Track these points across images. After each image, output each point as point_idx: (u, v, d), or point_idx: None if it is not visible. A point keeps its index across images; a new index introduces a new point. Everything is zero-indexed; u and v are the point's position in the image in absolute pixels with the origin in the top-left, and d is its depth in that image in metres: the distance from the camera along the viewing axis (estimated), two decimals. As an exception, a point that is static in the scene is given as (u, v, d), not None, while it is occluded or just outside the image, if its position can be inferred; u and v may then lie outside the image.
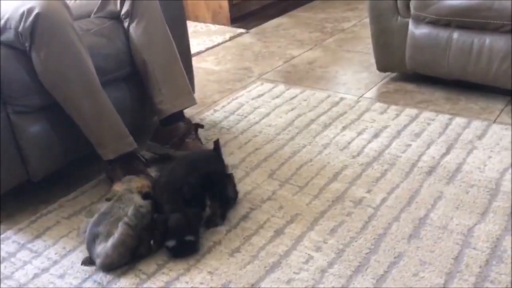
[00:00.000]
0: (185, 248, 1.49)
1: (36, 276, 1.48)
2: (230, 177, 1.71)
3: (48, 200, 1.80)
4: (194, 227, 1.50)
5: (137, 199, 1.55)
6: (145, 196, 1.56)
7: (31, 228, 1.67)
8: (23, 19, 1.60)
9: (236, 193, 1.69)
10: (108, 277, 1.45)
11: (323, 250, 1.50)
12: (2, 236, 1.64)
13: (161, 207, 1.54)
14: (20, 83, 1.65)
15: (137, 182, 1.63)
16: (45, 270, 1.50)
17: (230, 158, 1.95)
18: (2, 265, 1.52)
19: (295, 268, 1.44)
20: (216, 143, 1.72)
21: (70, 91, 1.69)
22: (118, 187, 1.61)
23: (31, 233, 1.64)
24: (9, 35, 1.64)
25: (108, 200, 1.58)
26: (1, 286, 1.45)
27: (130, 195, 1.56)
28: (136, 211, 1.49)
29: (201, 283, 1.41)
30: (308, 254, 1.48)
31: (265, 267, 1.45)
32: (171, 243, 1.47)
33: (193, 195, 1.53)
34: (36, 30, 1.60)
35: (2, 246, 1.60)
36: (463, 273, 1.38)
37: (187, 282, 1.42)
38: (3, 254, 1.57)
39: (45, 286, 1.44)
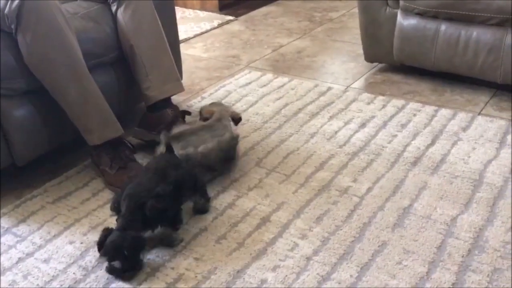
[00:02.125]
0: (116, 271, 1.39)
1: (20, 260, 1.47)
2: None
3: (33, 185, 1.79)
4: (129, 252, 1.36)
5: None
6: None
7: (15, 212, 1.66)
8: (9, 1, 1.58)
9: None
10: (93, 262, 1.45)
11: (309, 238, 1.51)
12: (-14, 220, 1.63)
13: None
14: (5, 66, 1.62)
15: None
16: (29, 254, 1.49)
17: (217, 146, 1.95)
18: (-14, 249, 1.52)
19: (281, 255, 1.45)
20: (169, 147, 1.60)
21: (56, 75, 1.67)
22: (214, 108, 1.83)
23: (15, 218, 1.63)
24: (-6, 17, 1.62)
25: (204, 119, 1.78)
26: (-15, 270, 1.44)
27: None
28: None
29: (187, 269, 1.42)
30: (294, 242, 1.50)
31: (250, 254, 1.46)
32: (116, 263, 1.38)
33: (160, 209, 1.40)
34: (22, 12, 1.58)
35: (-14, 230, 1.59)
36: (445, 262, 1.40)
37: (172, 268, 1.42)
38: (-13, 238, 1.56)
39: (30, 270, 1.43)
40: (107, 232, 1.39)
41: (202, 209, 1.61)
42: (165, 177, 1.47)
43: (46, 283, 1.39)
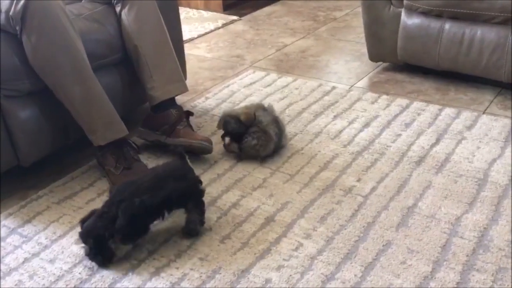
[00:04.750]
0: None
1: (26, 260, 1.48)
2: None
3: (38, 186, 1.80)
4: (95, 239, 1.40)
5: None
6: None
7: (21, 213, 1.67)
8: (14, 3, 1.59)
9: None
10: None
11: (313, 237, 1.51)
12: (-8, 220, 1.64)
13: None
14: (10, 67, 1.63)
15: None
16: (35, 254, 1.50)
17: (221, 146, 1.95)
18: (-8, 249, 1.53)
19: (285, 255, 1.45)
20: (181, 153, 1.55)
21: (61, 76, 1.68)
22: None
23: (21, 218, 1.64)
24: (0, 19, 1.63)
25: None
26: (-9, 271, 1.45)
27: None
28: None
29: (192, 269, 1.42)
30: (298, 242, 1.50)
31: (255, 253, 1.46)
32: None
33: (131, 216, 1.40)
34: (27, 14, 1.59)
35: (-8, 230, 1.60)
36: (450, 262, 1.40)
37: (177, 268, 1.43)
38: (-7, 238, 1.57)
39: (36, 270, 1.44)
40: (92, 214, 1.43)
41: (192, 230, 1.52)
42: (160, 187, 1.43)
43: (51, 283, 1.40)
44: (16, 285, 1.40)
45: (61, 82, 1.69)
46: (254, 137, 1.82)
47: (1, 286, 1.40)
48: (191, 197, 1.51)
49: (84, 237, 1.42)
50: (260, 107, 1.92)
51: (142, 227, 1.45)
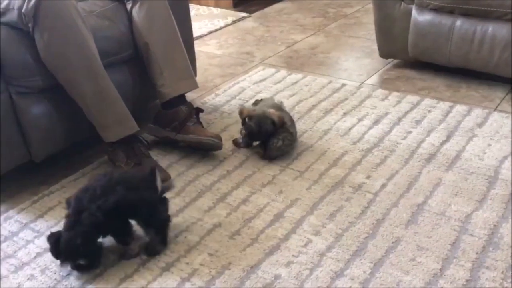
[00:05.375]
0: (81, 268, 1.41)
1: (38, 255, 1.50)
2: (163, 201, 1.50)
3: (50, 181, 1.82)
4: (85, 248, 1.37)
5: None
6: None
7: (33, 208, 1.68)
8: (27, 1, 1.60)
9: (167, 217, 1.49)
10: (110, 257, 1.47)
11: (322, 234, 1.51)
12: (4, 215, 1.66)
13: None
14: (23, 64, 1.65)
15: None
16: (47, 249, 1.50)
17: (231, 143, 1.96)
18: (4, 244, 1.54)
19: (294, 251, 1.46)
20: (153, 169, 1.47)
21: (73, 73, 1.69)
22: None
23: (33, 213, 1.66)
24: (12, 16, 1.64)
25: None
26: (4, 265, 1.47)
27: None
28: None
29: (201, 265, 1.43)
30: (307, 238, 1.50)
31: (264, 250, 1.47)
32: (66, 265, 1.41)
33: (97, 222, 1.37)
34: (39, 11, 1.60)
35: (4, 225, 1.61)
36: (459, 259, 1.40)
37: (187, 263, 1.44)
38: (5, 233, 1.58)
39: (47, 265, 1.46)
40: (55, 237, 1.39)
41: (151, 250, 1.46)
42: (109, 193, 1.39)
43: (63, 278, 1.41)
44: (28, 279, 1.42)
45: (73, 79, 1.70)
46: (280, 138, 1.82)
47: (11, 281, 1.42)
48: (144, 213, 1.42)
49: (75, 253, 1.37)
50: (273, 103, 1.92)
51: (116, 226, 1.42)
